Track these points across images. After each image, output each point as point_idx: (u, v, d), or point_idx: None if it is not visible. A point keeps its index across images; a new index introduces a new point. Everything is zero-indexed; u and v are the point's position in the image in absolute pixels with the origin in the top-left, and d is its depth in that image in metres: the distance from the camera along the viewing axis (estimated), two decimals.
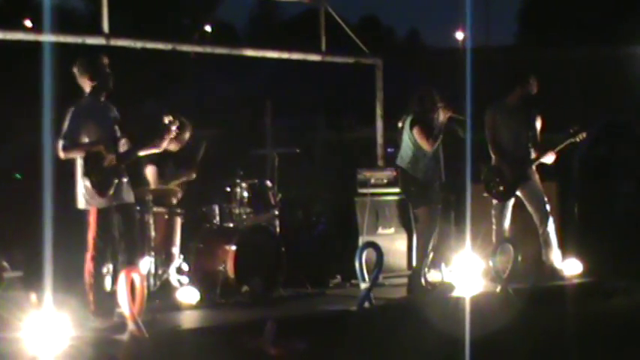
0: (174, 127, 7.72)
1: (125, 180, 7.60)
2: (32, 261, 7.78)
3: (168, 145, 8.21)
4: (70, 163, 7.45)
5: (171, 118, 7.72)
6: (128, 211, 7.67)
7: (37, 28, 9.47)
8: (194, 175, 9.19)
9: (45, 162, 7.18)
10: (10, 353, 6.43)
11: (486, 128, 9.81)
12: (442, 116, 8.92)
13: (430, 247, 9.04)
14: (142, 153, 7.83)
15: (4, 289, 7.77)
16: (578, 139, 9.71)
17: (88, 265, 7.46)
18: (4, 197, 9.55)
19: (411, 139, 8.97)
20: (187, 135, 9.15)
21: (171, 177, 9.15)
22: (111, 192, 7.41)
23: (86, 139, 7.43)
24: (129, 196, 7.67)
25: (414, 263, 9.09)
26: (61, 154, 7.35)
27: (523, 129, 9.78)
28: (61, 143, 7.35)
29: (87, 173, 7.37)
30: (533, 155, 9.77)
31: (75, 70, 7.55)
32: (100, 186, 7.38)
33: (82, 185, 7.42)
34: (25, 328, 6.46)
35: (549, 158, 9.76)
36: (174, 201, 9.07)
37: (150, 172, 9.04)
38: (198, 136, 9.46)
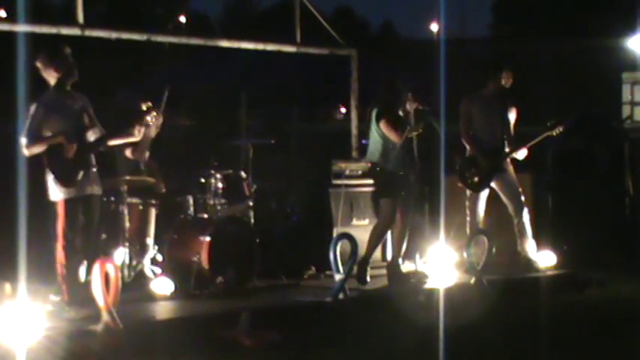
0: (151, 115, 7.72)
1: (94, 170, 7.56)
2: (6, 251, 7.73)
3: (147, 132, 8.21)
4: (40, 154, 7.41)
5: (149, 103, 7.71)
6: (90, 202, 7.60)
7: (12, 18, 9.40)
8: (162, 189, 9.16)
9: (19, 152, 7.15)
10: None
11: (461, 119, 9.84)
12: (409, 107, 8.95)
13: (381, 240, 9.28)
14: (114, 142, 7.79)
15: None
16: (554, 133, 9.75)
17: (59, 256, 7.42)
18: None
19: (378, 131, 9.01)
20: (159, 121, 9.13)
21: (147, 172, 9.12)
22: (76, 182, 7.37)
23: (49, 133, 7.39)
24: (95, 188, 7.61)
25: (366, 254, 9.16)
26: (25, 151, 7.30)
27: (498, 121, 9.81)
28: (24, 141, 7.30)
29: (49, 166, 7.35)
30: (507, 148, 9.81)
31: (38, 63, 7.47)
32: (63, 178, 7.35)
33: (49, 177, 7.40)
34: None
35: (521, 154, 9.80)
36: (162, 190, 9.04)
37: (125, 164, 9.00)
38: (173, 126, 9.45)
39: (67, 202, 7.40)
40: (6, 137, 7.70)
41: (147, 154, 8.80)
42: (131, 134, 7.73)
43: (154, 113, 7.81)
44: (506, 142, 9.81)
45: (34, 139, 7.31)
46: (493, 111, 9.80)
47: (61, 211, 7.41)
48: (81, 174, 7.39)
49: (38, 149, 7.35)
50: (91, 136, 7.59)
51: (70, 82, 7.53)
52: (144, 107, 7.72)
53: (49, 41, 8.84)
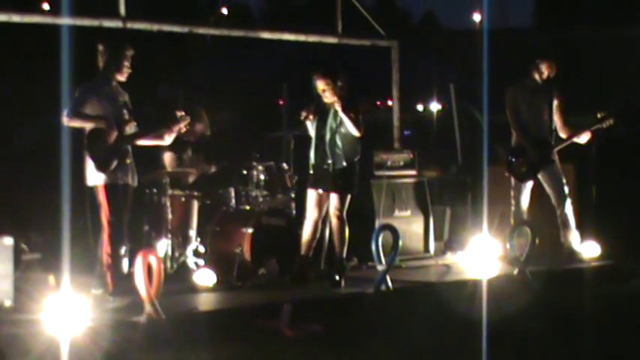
0: (184, 123, 7.83)
1: (128, 161, 7.63)
2: (50, 243, 7.81)
3: (185, 136, 8.33)
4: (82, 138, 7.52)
5: (182, 113, 7.82)
6: (126, 192, 7.69)
7: (55, 10, 9.48)
8: (213, 169, 9.24)
9: (63, 143, 7.21)
10: (28, 335, 6.46)
11: (508, 109, 9.76)
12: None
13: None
14: (146, 142, 7.85)
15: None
16: (605, 126, 9.65)
17: (105, 246, 7.50)
18: (23, 179, 9.60)
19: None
20: (203, 124, 9.19)
21: (189, 165, 9.18)
22: (111, 168, 7.45)
23: (90, 113, 7.51)
24: (130, 179, 7.69)
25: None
26: (64, 121, 7.45)
27: (544, 110, 9.73)
28: (65, 111, 7.45)
29: (88, 148, 7.44)
30: (561, 136, 9.71)
31: (100, 46, 7.66)
32: (99, 162, 7.44)
33: (88, 161, 7.50)
34: (43, 310, 6.49)
35: (584, 138, 9.70)
36: (190, 180, 9.10)
37: (167, 157, 9.06)
38: (215, 118, 9.49)
39: (108, 188, 7.49)
40: (51, 130, 7.78)
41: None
42: (162, 138, 7.85)
43: (187, 121, 7.91)
44: (553, 133, 9.73)
45: (75, 113, 7.46)
46: (539, 101, 9.72)
47: (102, 198, 7.51)
48: (115, 162, 7.47)
49: (77, 123, 7.48)
50: (130, 129, 7.68)
51: (118, 79, 7.67)
52: (177, 115, 7.81)
53: (119, 35, 8.98)
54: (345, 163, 8.60)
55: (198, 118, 9.03)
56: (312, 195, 8.73)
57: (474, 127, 9.57)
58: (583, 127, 9.74)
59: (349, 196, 8.68)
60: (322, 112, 8.67)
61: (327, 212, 8.77)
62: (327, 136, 8.62)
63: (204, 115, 9.27)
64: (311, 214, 8.72)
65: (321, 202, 8.71)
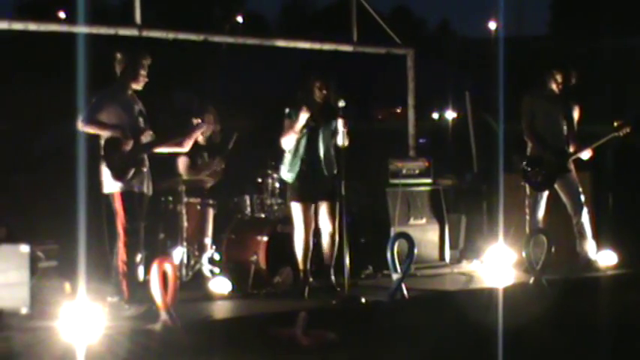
0: (200, 130, 7.87)
1: (145, 170, 7.65)
2: (66, 250, 7.83)
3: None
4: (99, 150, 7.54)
5: (199, 120, 7.86)
6: (141, 201, 7.71)
7: (71, 19, 9.53)
8: (222, 165, 9.21)
9: (79, 151, 7.24)
10: (44, 342, 6.48)
11: (523, 117, 9.72)
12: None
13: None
14: (163, 149, 7.87)
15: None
16: (621, 134, 9.60)
17: (121, 253, 7.51)
18: (39, 186, 9.64)
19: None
20: (211, 118, 9.19)
21: (202, 168, 9.19)
22: (128, 177, 7.47)
23: (106, 121, 7.52)
24: (146, 188, 7.71)
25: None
26: (79, 126, 7.47)
27: (561, 120, 9.69)
28: (80, 117, 7.47)
29: (104, 156, 7.46)
30: (572, 148, 9.67)
31: (118, 54, 7.69)
32: (116, 170, 7.46)
33: (105, 169, 7.52)
34: (59, 318, 6.50)
35: (586, 154, 9.67)
36: (207, 187, 9.11)
37: (182, 162, 9.07)
38: (229, 126, 9.49)
39: (124, 196, 7.51)
40: (68, 138, 7.81)
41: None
42: (180, 145, 7.89)
43: (204, 129, 7.96)
44: (570, 142, 9.69)
45: (90, 119, 7.47)
46: (555, 111, 9.68)
47: (118, 206, 7.52)
48: (132, 171, 7.49)
49: (93, 130, 7.49)
50: (146, 138, 7.69)
51: (133, 87, 7.69)
52: (194, 122, 7.86)
53: (138, 44, 9.02)
54: (332, 172, 8.54)
55: (207, 112, 9.06)
56: (300, 207, 8.53)
57: (490, 135, 9.53)
58: (599, 135, 9.69)
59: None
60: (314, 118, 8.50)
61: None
62: (322, 146, 8.52)
63: (213, 109, 9.26)
64: (304, 226, 8.52)
65: (311, 213, 8.57)
